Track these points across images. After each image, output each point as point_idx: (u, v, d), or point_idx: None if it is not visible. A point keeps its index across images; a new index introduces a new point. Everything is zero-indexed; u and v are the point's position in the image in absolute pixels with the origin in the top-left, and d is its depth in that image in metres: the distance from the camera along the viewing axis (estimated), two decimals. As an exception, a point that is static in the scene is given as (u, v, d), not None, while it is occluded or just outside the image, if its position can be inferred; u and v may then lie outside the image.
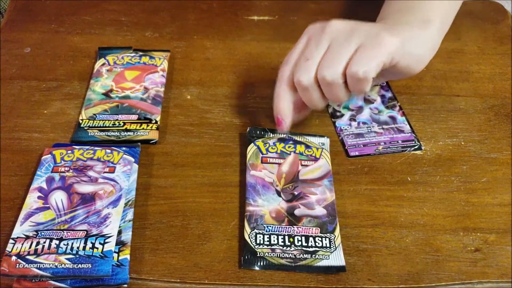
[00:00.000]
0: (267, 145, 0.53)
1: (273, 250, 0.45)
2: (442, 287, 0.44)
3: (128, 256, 0.44)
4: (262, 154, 0.53)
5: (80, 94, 0.60)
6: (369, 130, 0.57)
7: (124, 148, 0.52)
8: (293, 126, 0.53)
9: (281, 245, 0.46)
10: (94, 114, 0.56)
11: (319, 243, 0.46)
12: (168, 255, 0.45)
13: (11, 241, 0.43)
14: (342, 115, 0.59)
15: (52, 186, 0.48)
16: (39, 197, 0.47)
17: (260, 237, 0.46)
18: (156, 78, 0.62)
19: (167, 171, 0.53)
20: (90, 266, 0.42)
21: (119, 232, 0.45)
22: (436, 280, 0.45)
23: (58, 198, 0.47)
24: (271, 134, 0.54)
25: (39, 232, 0.44)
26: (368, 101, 0.61)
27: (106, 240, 0.44)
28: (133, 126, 0.55)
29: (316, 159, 0.53)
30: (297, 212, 0.48)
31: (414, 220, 0.49)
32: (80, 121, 0.56)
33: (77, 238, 0.44)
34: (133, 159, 0.52)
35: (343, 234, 0.48)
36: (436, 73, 0.66)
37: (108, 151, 0.52)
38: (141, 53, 0.65)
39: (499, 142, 0.57)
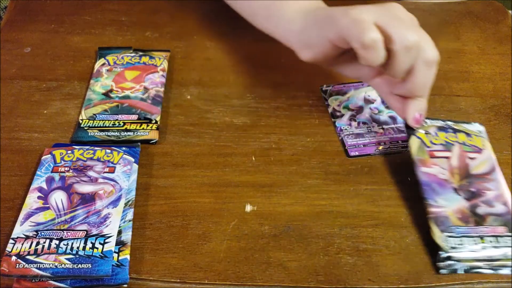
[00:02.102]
0: (429, 135, 0.51)
1: (467, 253, 0.44)
2: (442, 287, 0.44)
3: (128, 256, 0.44)
4: (427, 147, 0.50)
5: (80, 94, 0.60)
6: (369, 130, 0.57)
7: (124, 148, 0.52)
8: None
9: (473, 248, 0.44)
10: (94, 114, 0.56)
11: (509, 243, 0.44)
12: (168, 255, 0.45)
13: (11, 241, 0.43)
14: (342, 115, 0.59)
15: (52, 186, 0.48)
16: (39, 197, 0.47)
17: (451, 240, 0.44)
18: (156, 78, 0.62)
19: (167, 171, 0.53)
20: (90, 266, 0.42)
21: (119, 232, 0.45)
22: (436, 280, 0.45)
23: (58, 198, 0.47)
24: (427, 122, 0.52)
25: (39, 232, 0.44)
26: (368, 101, 0.61)
27: (106, 240, 0.44)
28: (133, 126, 0.55)
29: (479, 150, 0.50)
30: (479, 210, 0.46)
31: (414, 220, 0.49)
32: (80, 121, 0.56)
33: (77, 238, 0.44)
34: (133, 159, 0.52)
35: (343, 234, 0.48)
36: (436, 73, 0.65)
37: (108, 151, 0.52)
38: (141, 53, 0.65)
39: (499, 142, 0.57)
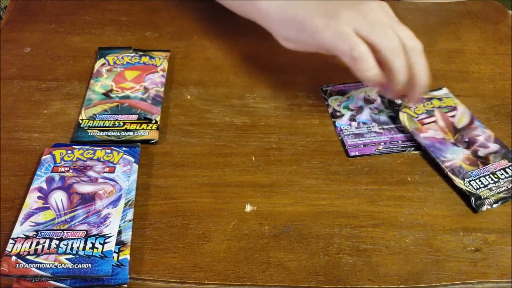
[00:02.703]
0: (411, 109, 0.58)
1: (490, 189, 0.50)
2: (442, 287, 0.44)
3: (128, 256, 0.44)
4: (415, 118, 0.57)
5: (80, 94, 0.60)
6: (369, 130, 0.57)
7: (124, 148, 0.52)
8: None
9: (493, 183, 0.51)
10: (94, 114, 0.57)
11: None
12: (168, 255, 0.45)
13: (11, 241, 0.43)
14: (342, 115, 0.59)
15: (52, 186, 0.48)
16: (39, 197, 0.47)
17: (473, 183, 0.51)
18: (156, 78, 0.62)
19: (167, 171, 0.53)
20: (90, 266, 0.42)
21: (119, 232, 0.45)
22: (436, 280, 0.45)
23: (58, 198, 0.47)
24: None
25: (39, 232, 0.44)
26: (368, 101, 0.61)
27: (106, 240, 0.44)
28: (133, 126, 0.55)
29: (454, 108, 0.58)
30: (480, 153, 0.53)
31: (414, 220, 0.49)
32: (80, 121, 0.56)
33: (77, 238, 0.44)
34: (133, 159, 0.52)
35: (343, 234, 0.48)
36: (436, 73, 0.65)
37: (108, 151, 0.52)
38: (141, 53, 0.65)
39: (499, 142, 0.57)
